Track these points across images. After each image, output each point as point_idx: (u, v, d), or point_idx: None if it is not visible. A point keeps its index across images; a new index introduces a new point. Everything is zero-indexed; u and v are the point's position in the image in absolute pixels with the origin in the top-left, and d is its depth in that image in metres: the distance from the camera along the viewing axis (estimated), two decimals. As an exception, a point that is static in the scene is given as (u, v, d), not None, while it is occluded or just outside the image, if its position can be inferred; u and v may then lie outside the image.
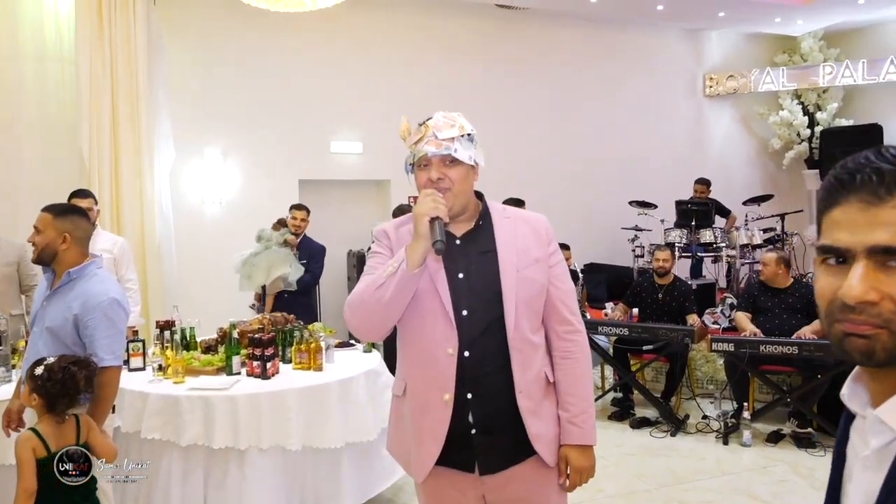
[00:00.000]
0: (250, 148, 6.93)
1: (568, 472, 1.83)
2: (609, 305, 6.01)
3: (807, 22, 8.16)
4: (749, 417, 4.77)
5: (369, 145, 7.36)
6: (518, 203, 5.72)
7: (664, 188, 7.94)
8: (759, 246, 7.03)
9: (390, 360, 4.94)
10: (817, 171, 8.67)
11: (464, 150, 1.73)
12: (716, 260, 7.13)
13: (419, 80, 7.43)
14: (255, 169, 6.94)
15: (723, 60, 9.01)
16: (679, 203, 7.17)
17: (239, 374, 3.44)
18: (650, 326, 5.19)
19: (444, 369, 1.71)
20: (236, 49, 6.84)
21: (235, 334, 3.50)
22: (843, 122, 8.62)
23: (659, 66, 8.70)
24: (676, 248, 6.67)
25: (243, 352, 3.54)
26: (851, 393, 0.82)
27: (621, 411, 5.39)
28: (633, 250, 7.49)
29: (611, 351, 5.62)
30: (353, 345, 4.32)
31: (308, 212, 5.49)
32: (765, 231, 7.11)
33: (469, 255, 1.79)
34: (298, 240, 5.39)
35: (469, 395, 1.72)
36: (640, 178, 8.07)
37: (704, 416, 5.12)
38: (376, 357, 4.03)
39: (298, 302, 5.21)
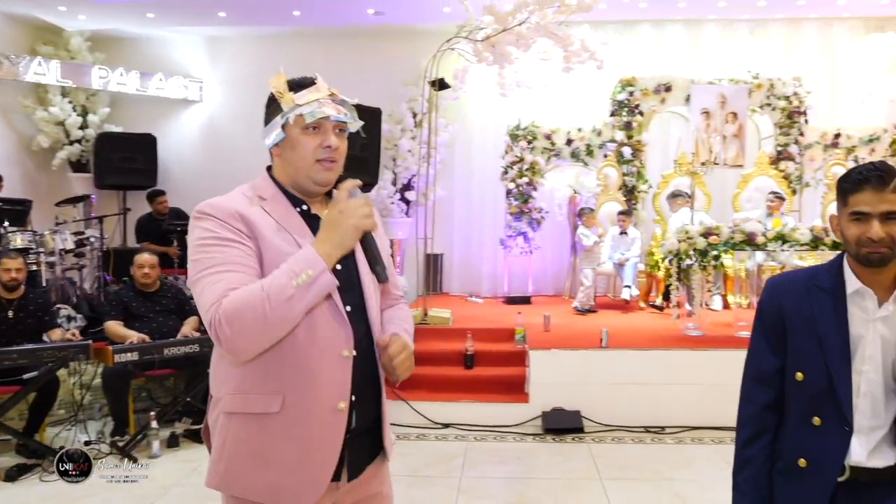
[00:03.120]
0: None
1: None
2: None
3: (90, 19, 7.79)
4: (157, 426, 4.54)
5: None
6: None
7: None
8: (72, 251, 6.45)
9: None
10: (90, 175, 8.43)
11: (354, 123, 1.61)
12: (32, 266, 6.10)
13: None
14: None
15: (-19, 37, 7.63)
16: (-13, 200, 5.86)
17: None
18: (31, 349, 4.20)
19: (339, 374, 1.52)
20: None
21: None
22: (114, 128, 8.66)
23: None
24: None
25: None
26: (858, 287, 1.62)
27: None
28: None
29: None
30: None
31: None
32: (75, 234, 6.53)
33: None
34: None
35: (354, 399, 1.55)
36: None
37: (88, 442, 4.54)
38: None
39: None
